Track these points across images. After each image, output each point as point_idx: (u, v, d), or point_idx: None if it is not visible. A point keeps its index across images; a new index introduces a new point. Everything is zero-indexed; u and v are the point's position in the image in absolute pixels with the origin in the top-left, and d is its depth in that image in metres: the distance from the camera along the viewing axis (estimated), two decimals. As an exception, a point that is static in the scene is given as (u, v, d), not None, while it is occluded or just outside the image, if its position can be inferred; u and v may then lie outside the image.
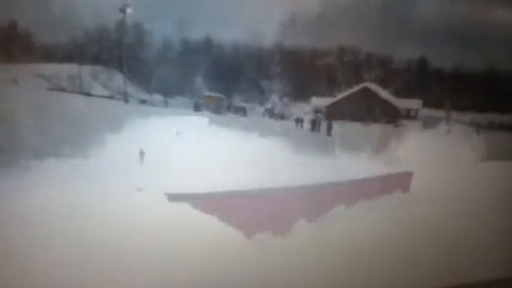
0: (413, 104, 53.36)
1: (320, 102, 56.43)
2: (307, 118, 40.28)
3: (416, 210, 7.57)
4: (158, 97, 56.48)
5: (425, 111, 56.20)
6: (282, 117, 49.47)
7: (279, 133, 26.97)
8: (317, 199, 6.36)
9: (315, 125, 35.48)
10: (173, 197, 3.85)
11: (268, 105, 61.02)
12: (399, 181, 9.62)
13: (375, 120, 52.04)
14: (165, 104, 49.08)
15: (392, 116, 50.38)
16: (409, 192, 9.78)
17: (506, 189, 10.29)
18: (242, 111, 49.96)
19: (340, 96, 58.97)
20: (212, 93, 51.50)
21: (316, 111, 58.11)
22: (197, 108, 42.68)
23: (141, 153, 9.71)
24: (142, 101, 49.66)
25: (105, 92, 53.16)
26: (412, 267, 3.99)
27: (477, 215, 6.94)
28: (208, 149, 11.83)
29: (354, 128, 44.13)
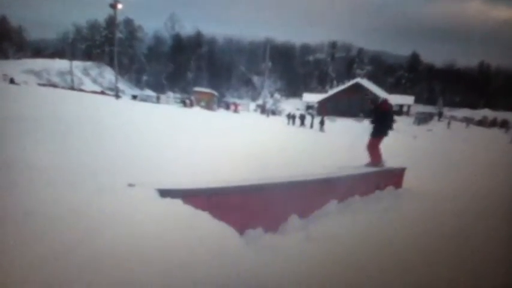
0: (406, 99, 53.99)
1: (312, 97, 56.77)
2: (299, 114, 40.40)
3: (409, 207, 7.56)
4: (149, 93, 56.36)
5: (418, 107, 56.63)
6: (273, 113, 49.61)
7: (271, 129, 27.00)
8: (309, 195, 6.33)
9: (306, 120, 35.53)
10: (165, 193, 3.81)
11: (260, 101, 61.12)
12: (392, 177, 9.64)
13: (367, 116, 52.10)
14: (157, 100, 49.01)
15: (384, 112, 50.76)
16: (401, 188, 9.80)
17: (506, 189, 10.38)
18: (234, 106, 49.98)
19: (331, 91, 59.27)
20: (203, 89, 51.47)
21: (308, 107, 58.38)
22: (188, 103, 42.60)
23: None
24: (134, 97, 49.57)
25: (96, 88, 52.92)
26: (407, 264, 3.96)
27: (474, 213, 6.93)
28: (199, 144, 11.77)
29: (346, 123, 44.24)
